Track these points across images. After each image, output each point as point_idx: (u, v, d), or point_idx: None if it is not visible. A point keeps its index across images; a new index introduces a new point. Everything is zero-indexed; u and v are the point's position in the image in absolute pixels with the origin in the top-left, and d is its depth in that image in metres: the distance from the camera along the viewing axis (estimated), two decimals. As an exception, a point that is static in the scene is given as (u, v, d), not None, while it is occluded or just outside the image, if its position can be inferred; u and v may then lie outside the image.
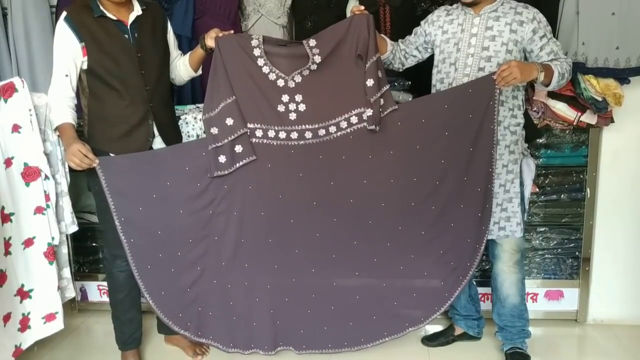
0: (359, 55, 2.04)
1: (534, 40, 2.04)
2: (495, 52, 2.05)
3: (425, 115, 2.10)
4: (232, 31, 2.09)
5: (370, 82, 2.04)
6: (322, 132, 2.12)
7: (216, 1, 2.73)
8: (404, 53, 2.28)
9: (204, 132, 2.12)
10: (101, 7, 2.03)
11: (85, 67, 2.03)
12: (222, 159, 2.09)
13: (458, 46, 2.11)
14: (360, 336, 2.28)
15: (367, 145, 2.11)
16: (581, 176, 2.58)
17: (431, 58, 2.28)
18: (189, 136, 2.46)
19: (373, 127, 2.06)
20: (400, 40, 2.30)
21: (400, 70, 2.34)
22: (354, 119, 2.11)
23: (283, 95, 2.09)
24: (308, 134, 2.11)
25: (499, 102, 2.04)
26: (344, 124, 2.11)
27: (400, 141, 2.11)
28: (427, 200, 2.13)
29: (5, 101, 2.10)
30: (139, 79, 2.08)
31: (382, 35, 2.29)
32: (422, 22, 2.25)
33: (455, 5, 2.18)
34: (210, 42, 2.08)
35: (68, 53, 2.01)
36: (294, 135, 2.11)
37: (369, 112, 2.06)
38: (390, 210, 2.16)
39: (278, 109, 2.10)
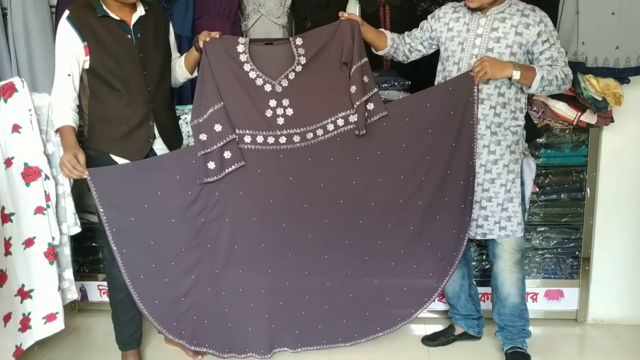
0: (344, 62, 2.08)
1: (537, 44, 2.04)
2: (500, 54, 2.04)
3: (409, 115, 2.15)
4: (217, 34, 2.08)
5: (353, 89, 2.08)
6: (309, 135, 2.14)
7: (216, 1, 2.73)
8: (408, 47, 2.28)
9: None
10: (104, 7, 2.03)
11: (87, 66, 2.03)
12: (211, 165, 2.09)
13: (462, 46, 2.11)
14: (354, 332, 2.31)
15: (355, 146, 2.15)
16: (581, 176, 2.58)
17: (432, 56, 2.29)
18: (189, 136, 2.46)
19: (357, 132, 2.10)
20: (406, 33, 2.30)
21: (405, 62, 2.34)
22: (340, 122, 2.14)
23: (270, 100, 2.11)
24: (296, 138, 2.13)
25: (479, 98, 2.07)
26: (330, 127, 2.14)
27: (386, 141, 2.15)
28: (414, 196, 2.18)
29: (5, 101, 2.10)
30: (140, 80, 2.07)
31: (382, 29, 2.29)
32: (428, 17, 2.24)
33: (462, 3, 2.18)
34: (202, 44, 2.08)
35: (71, 52, 2.00)
36: (283, 139, 2.12)
37: (355, 117, 2.10)
38: (380, 208, 2.20)
39: (266, 114, 2.11)
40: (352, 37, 2.08)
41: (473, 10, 2.09)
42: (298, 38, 2.12)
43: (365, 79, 2.10)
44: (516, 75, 1.97)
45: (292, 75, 2.11)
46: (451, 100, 2.09)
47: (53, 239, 2.20)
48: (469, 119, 2.09)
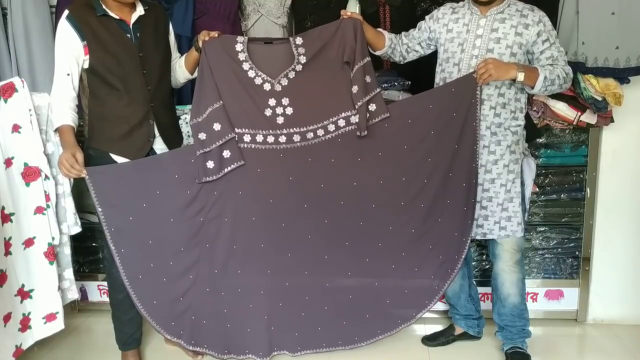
0: (346, 62, 2.07)
1: (537, 43, 2.04)
2: (500, 55, 2.04)
3: (411, 116, 2.14)
4: (216, 34, 2.08)
5: (355, 89, 2.07)
6: (310, 135, 2.13)
7: (216, 1, 2.72)
8: (406, 47, 2.28)
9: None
10: (104, 6, 2.03)
11: (86, 66, 2.03)
12: (210, 164, 2.08)
13: (462, 47, 2.11)
14: (354, 335, 2.30)
15: (356, 147, 2.14)
16: (581, 176, 2.58)
17: (432, 56, 2.28)
18: (189, 136, 2.46)
19: (359, 133, 2.10)
20: (403, 33, 2.29)
21: (402, 62, 2.33)
22: (341, 122, 2.13)
23: (270, 99, 2.10)
24: (296, 137, 2.12)
25: (481, 99, 2.07)
26: (331, 127, 2.13)
27: (388, 142, 2.14)
28: (416, 198, 2.17)
29: (5, 101, 2.10)
30: (140, 79, 2.07)
31: (380, 29, 2.29)
32: (426, 18, 2.24)
33: (461, 4, 2.18)
34: (201, 43, 2.08)
35: (70, 51, 2.00)
36: (283, 139, 2.12)
37: (356, 118, 2.09)
38: (381, 210, 2.18)
39: (265, 113, 2.10)
40: (355, 36, 2.06)
41: (481, 4, 2.07)
42: (298, 37, 2.11)
43: (368, 79, 2.09)
44: (520, 76, 1.96)
45: (292, 75, 2.10)
46: (454, 101, 2.08)
47: (53, 238, 2.20)
48: (472, 121, 2.08)
